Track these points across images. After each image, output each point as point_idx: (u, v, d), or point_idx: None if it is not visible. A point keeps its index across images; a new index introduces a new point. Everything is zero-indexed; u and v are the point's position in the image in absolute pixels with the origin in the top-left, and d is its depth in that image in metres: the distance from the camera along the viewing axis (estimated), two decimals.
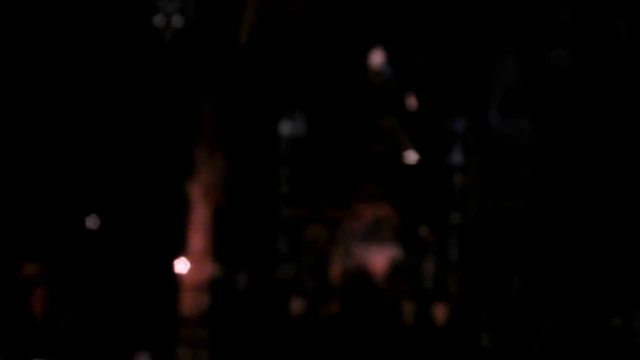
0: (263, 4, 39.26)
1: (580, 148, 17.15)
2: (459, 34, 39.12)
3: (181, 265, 30.91)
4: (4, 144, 24.45)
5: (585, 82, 16.39)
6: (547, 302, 17.62)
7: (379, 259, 41.82)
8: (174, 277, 30.28)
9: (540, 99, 18.02)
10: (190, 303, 28.26)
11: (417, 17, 42.94)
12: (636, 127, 17.23)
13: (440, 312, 33.41)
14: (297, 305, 32.75)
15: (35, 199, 25.01)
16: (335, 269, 41.40)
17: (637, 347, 16.72)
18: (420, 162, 43.15)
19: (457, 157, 43.73)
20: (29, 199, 24.70)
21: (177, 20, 21.80)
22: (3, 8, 24.19)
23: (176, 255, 30.77)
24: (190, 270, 32.77)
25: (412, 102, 42.61)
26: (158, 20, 23.55)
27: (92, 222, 26.35)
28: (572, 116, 16.94)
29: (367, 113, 43.23)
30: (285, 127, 43.41)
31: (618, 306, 17.54)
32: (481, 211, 27.54)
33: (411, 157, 42.33)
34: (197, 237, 34.24)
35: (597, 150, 17.25)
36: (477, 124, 35.32)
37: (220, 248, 34.23)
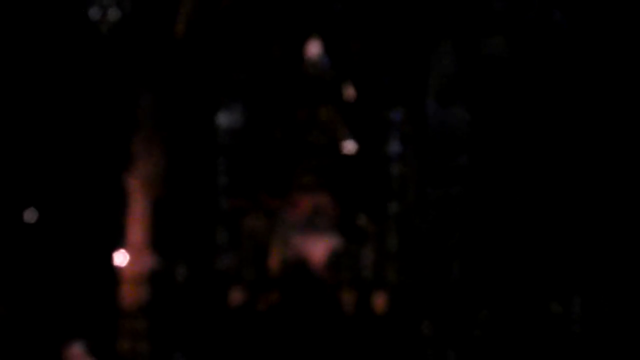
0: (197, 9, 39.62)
1: (518, 136, 17.21)
2: (395, 23, 39.44)
3: (120, 258, 31.10)
4: None
5: (522, 71, 16.43)
6: (486, 289, 17.77)
7: (318, 248, 42.00)
8: (113, 270, 30.49)
9: (477, 88, 18.08)
10: (130, 295, 28.44)
11: (353, 6, 43.22)
12: (572, 116, 17.36)
13: (379, 300, 33.62)
14: (236, 296, 33.03)
15: None
16: (275, 259, 41.65)
17: (576, 333, 16.84)
18: (358, 152, 43.43)
19: (395, 146, 44.09)
20: None
21: (113, 13, 21.98)
22: None
23: (115, 247, 30.99)
24: (129, 262, 33.04)
25: (349, 92, 42.89)
26: (94, 12, 23.69)
27: (30, 215, 26.44)
28: (509, 105, 17.00)
29: (304, 103, 43.56)
30: (223, 119, 43.66)
31: (557, 293, 17.64)
32: (419, 200, 27.87)
33: (349, 147, 42.55)
34: (136, 229, 34.47)
35: (535, 139, 17.30)
36: (415, 113, 35.70)
37: (159, 240, 34.44)
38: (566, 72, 16.30)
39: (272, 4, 43.80)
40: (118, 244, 31.80)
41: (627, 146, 16.66)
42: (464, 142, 18.73)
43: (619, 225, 17.14)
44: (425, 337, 16.48)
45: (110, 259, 30.56)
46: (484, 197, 18.02)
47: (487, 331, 16.60)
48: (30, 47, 26.99)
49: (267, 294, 34.72)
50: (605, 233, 17.30)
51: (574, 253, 17.57)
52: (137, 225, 33.84)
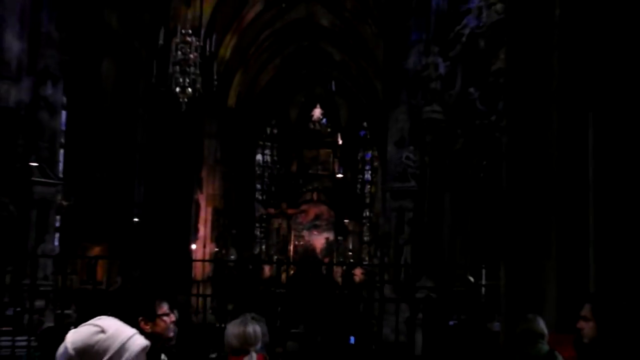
0: (242, 83, 39.51)
1: (448, 170, 17.09)
2: (368, 98, 39.65)
3: (194, 246, 31.39)
4: None
5: (453, 130, 16.32)
6: (426, 266, 17.57)
7: (318, 239, 42.19)
8: (190, 252, 30.44)
9: (421, 138, 17.99)
10: (199, 269, 28.45)
11: (342, 87, 43.20)
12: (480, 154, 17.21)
13: (357, 273, 33.99)
14: (267, 271, 32.91)
15: None
16: (291, 247, 41.81)
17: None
18: (344, 179, 43.54)
19: (367, 175, 44.20)
20: None
21: (189, 91, 21.76)
22: None
23: (191, 238, 31.14)
24: (199, 248, 33.09)
25: (339, 140, 43.10)
26: (178, 90, 23.21)
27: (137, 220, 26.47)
28: (442, 149, 16.93)
29: (310, 147, 43.73)
30: (259, 157, 43.96)
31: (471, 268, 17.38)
32: (383, 209, 27.90)
33: (339, 175, 42.80)
34: (202, 227, 34.53)
35: (460, 173, 17.18)
36: (380, 154, 35.76)
37: (218, 234, 34.79)
38: (476, 126, 16.19)
39: (290, 86, 43.90)
40: (192, 236, 31.85)
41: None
42: (413, 172, 18.69)
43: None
44: (388, 298, 16.14)
45: (188, 245, 30.53)
46: (424, 208, 17.95)
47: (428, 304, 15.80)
48: (142, 114, 26.95)
49: (287, 269, 34.88)
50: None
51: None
52: (203, 225, 34.02)
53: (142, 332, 3.53)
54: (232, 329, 4.75)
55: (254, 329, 4.71)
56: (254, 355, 4.61)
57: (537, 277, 5.62)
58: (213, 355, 9.74)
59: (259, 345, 4.67)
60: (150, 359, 2.31)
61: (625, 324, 4.02)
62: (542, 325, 4.85)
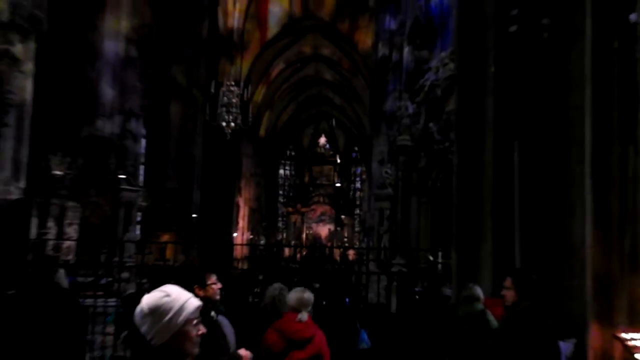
0: (269, 119, 39.52)
1: (417, 180, 16.92)
2: (357, 130, 39.43)
3: (234, 234, 31.34)
4: None
5: (418, 153, 16.14)
6: (400, 250, 17.37)
7: (323, 230, 42.40)
8: (232, 239, 30.26)
9: (396, 159, 17.84)
10: (239, 251, 28.06)
11: (340, 124, 43.14)
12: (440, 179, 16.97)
13: (351, 254, 33.94)
14: (287, 252, 33.02)
15: None
16: (303, 235, 41.96)
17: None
18: (341, 187, 43.59)
19: (357, 184, 44.22)
20: None
21: (232, 124, 21.78)
22: None
23: (232, 228, 31.03)
24: (238, 236, 33.03)
25: (338, 159, 43.19)
26: (224, 124, 23.03)
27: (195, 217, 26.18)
28: (410, 166, 16.78)
29: (317, 164, 43.92)
30: (281, 172, 44.10)
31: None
32: (369, 208, 27.82)
33: (337, 184, 42.95)
34: (241, 220, 34.53)
35: (426, 184, 17.04)
36: (367, 169, 35.77)
37: (252, 226, 34.53)
38: (434, 150, 16.03)
39: (303, 121, 43.68)
40: (234, 227, 31.70)
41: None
42: (389, 183, 18.59)
43: None
44: (372, 272, 15.99)
45: (231, 233, 30.46)
46: (398, 208, 17.79)
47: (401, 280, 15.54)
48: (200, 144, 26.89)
49: (301, 251, 34.87)
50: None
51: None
52: (242, 219, 33.96)
53: (196, 296, 3.56)
54: (294, 293, 4.74)
55: (309, 295, 4.72)
56: (305, 314, 4.60)
57: (477, 256, 5.62)
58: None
59: (309, 308, 4.67)
60: (202, 315, 2.33)
61: (533, 291, 4.08)
62: (479, 291, 4.87)
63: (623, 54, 5.40)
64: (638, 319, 5.29)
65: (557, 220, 5.08)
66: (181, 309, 2.10)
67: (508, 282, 4.20)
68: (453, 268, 6.10)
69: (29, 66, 14.64)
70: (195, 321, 2.14)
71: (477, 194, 5.68)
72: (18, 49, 14.24)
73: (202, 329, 2.18)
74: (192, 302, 2.16)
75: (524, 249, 5.10)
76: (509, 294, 4.15)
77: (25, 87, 14.53)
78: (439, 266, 12.88)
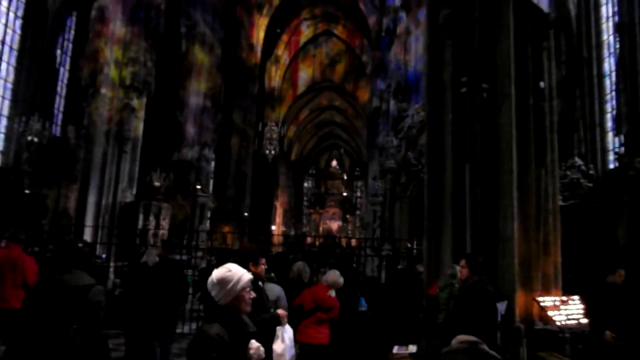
0: (298, 149, 39.41)
1: (399, 192, 16.55)
2: (358, 158, 38.89)
3: (273, 227, 30.90)
4: None
5: (400, 173, 15.79)
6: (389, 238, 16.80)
7: (334, 225, 41.79)
8: (271, 231, 29.97)
9: (384, 177, 17.42)
10: (277, 240, 27.44)
11: (346, 152, 42.55)
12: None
13: (353, 241, 33.50)
14: (309, 240, 32.96)
15: None
16: (320, 228, 41.48)
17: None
18: (347, 196, 43.05)
19: (358, 193, 43.68)
20: None
21: (272, 153, 21.82)
22: None
23: (270, 224, 30.68)
24: (276, 229, 32.70)
25: (345, 176, 42.85)
26: (267, 152, 23.05)
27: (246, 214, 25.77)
28: (395, 182, 16.43)
29: (330, 179, 43.59)
30: (305, 184, 43.77)
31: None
32: (366, 210, 27.32)
33: (344, 193, 42.68)
34: (278, 218, 34.33)
35: (405, 193, 16.66)
36: (365, 183, 35.38)
37: (286, 221, 34.07)
38: (412, 171, 15.54)
39: (321, 150, 43.21)
40: (272, 223, 31.36)
41: None
42: (380, 193, 18.31)
43: None
44: (368, 254, 15.53)
45: (270, 227, 30.27)
46: (386, 211, 17.35)
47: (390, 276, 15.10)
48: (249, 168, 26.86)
49: (319, 239, 34.48)
50: None
51: None
52: (278, 217, 33.64)
53: (250, 271, 3.63)
54: (333, 275, 4.75)
55: (341, 280, 4.73)
56: (333, 291, 4.66)
57: (440, 243, 5.66)
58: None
59: (338, 287, 4.73)
60: (254, 285, 2.33)
61: (480, 269, 4.14)
62: (457, 269, 4.82)
63: (536, 108, 5.56)
64: (549, 287, 5.36)
65: (493, 220, 5.15)
66: (239, 280, 2.07)
67: (462, 262, 4.27)
68: (424, 252, 6.14)
69: (141, 113, 14.94)
70: (248, 289, 2.10)
71: (440, 201, 5.75)
72: (135, 102, 14.56)
73: (253, 294, 2.16)
74: (246, 275, 2.12)
75: (472, 239, 5.16)
76: (464, 271, 4.22)
77: (138, 127, 14.83)
78: (414, 251, 12.76)
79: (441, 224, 5.73)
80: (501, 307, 4.66)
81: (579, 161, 12.73)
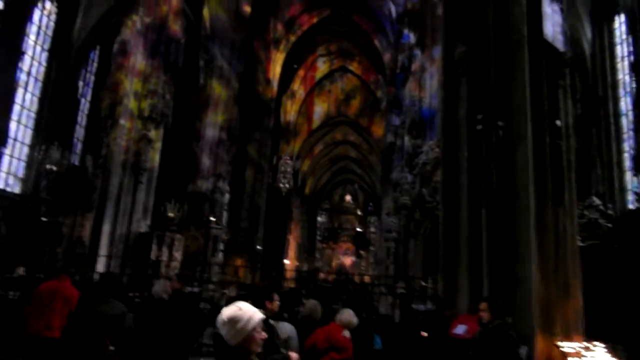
0: (312, 182, 39.48)
1: (414, 228, 16.38)
2: (372, 192, 38.71)
3: (286, 262, 30.71)
4: None
5: (414, 209, 15.66)
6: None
7: (347, 260, 41.36)
8: (284, 265, 29.71)
9: (399, 212, 17.30)
10: (289, 274, 27.15)
11: (360, 187, 42.45)
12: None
13: (366, 278, 33.20)
14: (322, 275, 32.45)
15: None
16: (334, 264, 40.83)
17: None
18: (361, 231, 42.69)
19: (372, 229, 43.25)
20: None
21: (286, 186, 21.85)
22: None
23: (284, 256, 30.42)
24: (289, 263, 32.51)
25: (358, 212, 42.56)
26: (281, 186, 23.07)
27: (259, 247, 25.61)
28: (409, 218, 16.30)
29: (344, 214, 43.24)
30: (319, 218, 43.50)
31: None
32: (380, 246, 27.02)
33: (358, 229, 42.33)
34: (291, 252, 34.08)
35: (420, 230, 16.47)
36: (379, 219, 35.15)
37: (298, 257, 33.74)
38: (426, 207, 15.51)
39: (335, 184, 43.11)
40: (285, 256, 31.16)
41: None
42: (394, 229, 18.16)
43: None
44: (381, 292, 15.20)
45: (283, 261, 30.02)
46: (400, 247, 17.09)
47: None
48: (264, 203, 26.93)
49: (332, 275, 33.98)
50: None
51: None
52: (291, 251, 33.41)
53: (266, 308, 3.58)
54: (347, 315, 4.62)
55: (356, 321, 4.61)
56: (347, 331, 4.51)
57: (457, 284, 5.54)
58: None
59: (352, 327, 4.59)
60: (265, 324, 2.30)
61: (501, 312, 4.01)
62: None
63: (552, 146, 5.48)
64: (570, 331, 5.15)
65: (511, 260, 5.03)
66: (249, 319, 2.03)
67: (483, 305, 4.14)
68: (440, 292, 6.00)
69: (158, 144, 15.14)
70: (259, 328, 2.06)
71: (455, 239, 5.64)
72: (152, 133, 14.78)
73: (264, 335, 2.11)
74: (257, 314, 2.08)
75: (490, 279, 5.04)
76: (485, 315, 4.08)
77: (154, 158, 15.00)
78: (429, 290, 12.54)
79: (457, 263, 5.61)
80: (521, 352, 4.48)
81: (597, 201, 12.48)
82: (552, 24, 5.62)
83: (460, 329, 5.09)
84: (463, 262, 5.44)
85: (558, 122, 5.55)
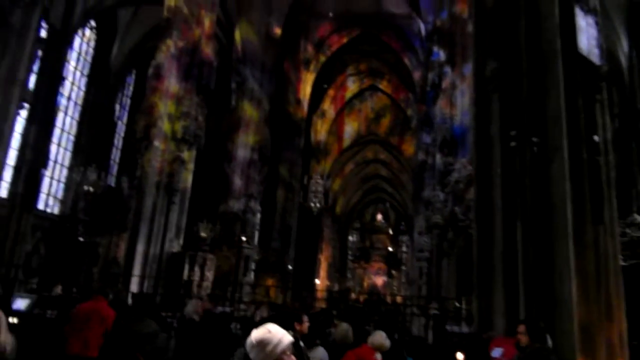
0: (343, 201, 39.31)
1: (446, 247, 16.16)
2: (404, 211, 38.18)
3: (317, 281, 30.46)
4: None
5: (447, 228, 15.50)
6: None
7: (379, 280, 40.70)
8: (315, 285, 29.55)
9: (431, 231, 17.18)
10: (320, 294, 27.01)
11: (391, 206, 42.05)
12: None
13: (398, 299, 32.65)
14: (353, 296, 32.18)
15: None
16: (365, 284, 40.29)
17: None
18: (393, 251, 42.10)
19: (404, 248, 42.61)
20: None
21: (317, 206, 21.84)
22: None
23: (315, 276, 30.20)
24: (320, 283, 32.30)
25: (390, 231, 42.07)
26: (312, 205, 23.03)
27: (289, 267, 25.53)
28: (442, 237, 16.11)
29: (375, 234, 42.71)
30: (350, 237, 43.19)
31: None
32: (412, 266, 26.53)
33: (390, 248, 41.78)
34: (322, 271, 33.87)
35: (453, 249, 16.19)
36: (410, 238, 34.63)
37: (329, 277, 33.47)
38: (458, 226, 15.35)
39: (366, 203, 42.72)
40: (316, 276, 30.94)
41: None
42: (426, 249, 17.94)
43: None
44: (414, 313, 14.96)
45: (314, 281, 29.85)
46: (433, 267, 16.88)
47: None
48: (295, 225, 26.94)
49: (364, 295, 33.59)
50: None
51: None
52: (323, 270, 33.21)
53: (295, 330, 3.55)
54: (379, 338, 4.56)
55: (388, 343, 4.54)
56: (379, 354, 4.45)
57: (492, 304, 5.38)
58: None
59: (384, 350, 4.53)
60: (295, 347, 2.29)
61: (541, 335, 3.86)
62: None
63: (590, 162, 5.33)
64: (614, 356, 4.92)
65: (548, 280, 4.86)
66: (279, 342, 2.01)
67: (522, 328, 3.97)
68: (474, 313, 5.85)
69: (190, 165, 15.43)
70: (288, 352, 2.03)
71: (490, 258, 5.51)
72: (185, 154, 15.08)
73: (293, 358, 2.07)
74: (286, 337, 2.05)
75: (527, 300, 4.87)
76: (524, 338, 3.91)
77: (187, 179, 15.26)
78: (463, 311, 12.26)
79: (492, 283, 5.47)
80: None
81: (639, 218, 12.00)
82: (587, 37, 5.51)
83: (496, 352, 4.92)
84: (498, 282, 5.29)
85: (596, 137, 5.40)
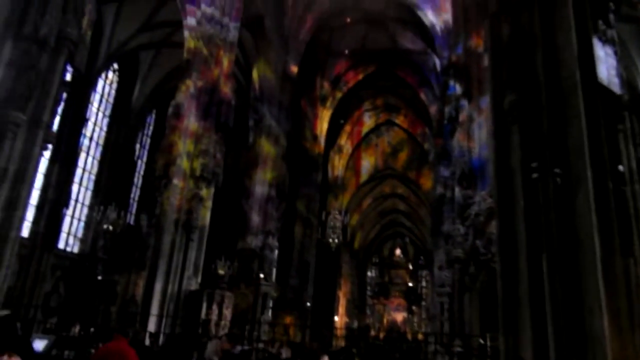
0: (361, 237, 38.96)
1: (469, 282, 15.85)
2: (422, 246, 37.57)
3: (336, 317, 29.96)
4: None
5: (468, 262, 15.36)
6: None
7: (399, 316, 39.85)
8: (334, 322, 29.02)
9: (452, 266, 16.90)
10: (340, 332, 26.49)
11: (410, 240, 41.49)
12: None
13: (419, 336, 31.79)
14: (373, 332, 31.36)
15: None
16: (384, 320, 39.55)
17: None
18: (412, 286, 41.34)
19: (423, 283, 41.67)
20: None
21: (335, 241, 21.68)
22: None
23: (334, 314, 29.70)
24: (339, 319, 31.69)
25: (410, 266, 41.38)
26: (331, 241, 22.91)
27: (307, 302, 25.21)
28: (463, 272, 15.82)
29: (394, 269, 42.08)
30: (369, 273, 42.42)
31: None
32: (432, 302, 26.10)
33: (409, 284, 41.05)
34: (341, 308, 33.26)
35: (475, 284, 15.87)
36: (430, 273, 33.98)
37: (349, 312, 32.78)
38: (480, 260, 15.08)
39: (384, 238, 42.29)
40: (335, 313, 30.48)
41: None
42: (447, 283, 17.54)
43: None
44: (436, 350, 14.56)
45: (333, 317, 29.34)
46: (455, 302, 16.51)
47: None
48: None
49: (384, 331, 32.96)
50: None
51: None
52: (341, 307, 32.65)
53: None
54: None
55: None
56: None
57: (519, 341, 5.20)
58: None
59: None
60: None
61: None
62: None
63: (617, 192, 5.21)
64: None
65: (578, 315, 4.69)
66: None
67: None
68: (501, 349, 5.65)
69: (209, 203, 15.51)
70: None
71: (515, 293, 5.36)
72: (203, 192, 15.19)
73: None
74: None
75: (556, 337, 4.70)
76: None
77: (205, 216, 15.32)
78: (488, 349, 11.88)
79: (518, 319, 5.30)
80: None
81: None
82: (607, 67, 5.50)
83: None
84: (525, 317, 5.12)
85: (620, 167, 5.31)
